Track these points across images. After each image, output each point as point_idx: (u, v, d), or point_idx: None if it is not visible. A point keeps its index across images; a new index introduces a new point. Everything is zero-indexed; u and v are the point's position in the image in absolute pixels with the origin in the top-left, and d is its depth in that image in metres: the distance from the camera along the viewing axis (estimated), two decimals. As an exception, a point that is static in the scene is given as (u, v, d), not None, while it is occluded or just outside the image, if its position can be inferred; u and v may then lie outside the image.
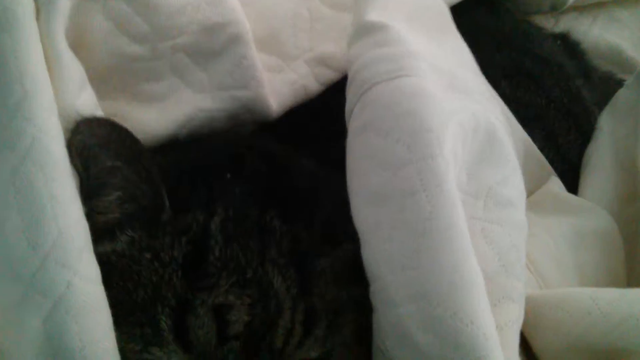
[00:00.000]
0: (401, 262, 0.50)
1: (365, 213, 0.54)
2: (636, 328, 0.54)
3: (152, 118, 0.65)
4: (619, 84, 1.06)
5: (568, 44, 1.11)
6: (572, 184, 0.85)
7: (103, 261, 0.51)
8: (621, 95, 0.89)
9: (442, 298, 0.48)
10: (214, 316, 0.50)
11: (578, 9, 1.23)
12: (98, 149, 0.52)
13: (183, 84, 0.67)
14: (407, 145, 0.52)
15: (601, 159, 0.85)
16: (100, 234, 0.53)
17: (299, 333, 0.53)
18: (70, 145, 0.51)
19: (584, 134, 0.90)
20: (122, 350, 0.49)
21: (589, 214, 0.76)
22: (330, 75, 0.77)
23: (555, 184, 0.80)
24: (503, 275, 0.56)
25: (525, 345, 0.64)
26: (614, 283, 0.70)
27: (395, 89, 0.55)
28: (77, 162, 0.52)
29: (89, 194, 0.52)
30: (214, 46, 0.67)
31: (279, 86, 0.73)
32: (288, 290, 0.53)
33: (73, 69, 0.55)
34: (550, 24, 1.21)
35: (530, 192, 0.79)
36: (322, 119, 0.75)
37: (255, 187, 0.59)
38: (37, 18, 0.54)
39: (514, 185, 0.62)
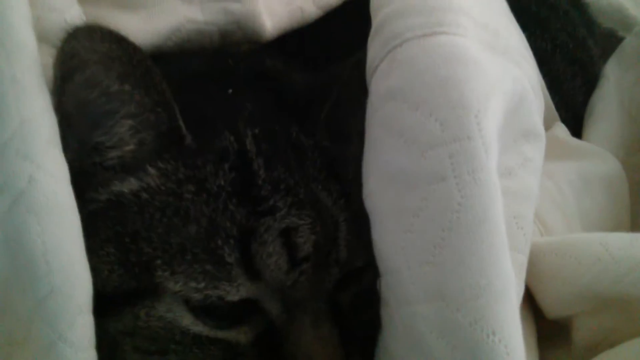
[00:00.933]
0: (420, 256, 0.45)
1: (383, 194, 0.48)
2: (649, 275, 0.50)
3: (136, 26, 0.59)
4: (620, 41, 1.02)
5: (571, -3, 1.07)
6: (575, 133, 0.82)
7: (131, 201, 0.48)
8: (628, 43, 0.87)
9: (463, 302, 0.42)
10: (282, 240, 0.48)
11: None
12: (98, 68, 0.46)
13: (171, -10, 0.62)
14: (440, 122, 0.44)
15: (607, 107, 0.82)
16: (117, 170, 0.49)
17: (355, 242, 0.51)
18: (60, 51, 0.45)
19: (589, 82, 0.87)
20: (185, 291, 0.47)
21: (595, 158, 0.72)
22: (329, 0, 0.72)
23: (561, 130, 0.77)
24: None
25: (528, 299, 0.61)
26: (619, 229, 0.67)
27: (431, 50, 0.47)
28: (59, 70, 0.46)
29: (90, 124, 0.47)
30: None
31: (274, 5, 0.68)
32: (336, 203, 0.51)
33: None
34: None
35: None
36: (320, 47, 0.70)
37: (262, 101, 0.55)
38: None
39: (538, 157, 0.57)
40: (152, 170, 0.49)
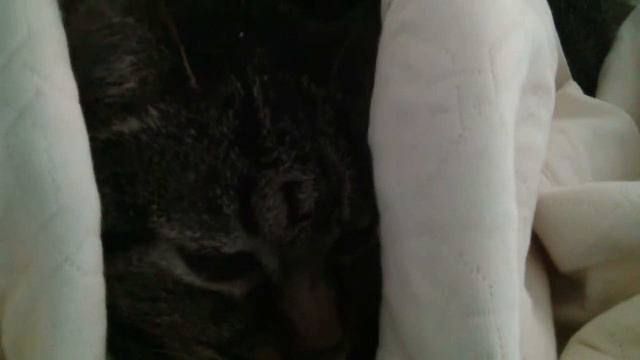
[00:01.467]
0: (414, 189, 0.43)
1: (387, 130, 0.46)
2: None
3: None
4: (631, 10, 1.01)
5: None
6: (587, 94, 0.80)
7: (130, 141, 0.46)
8: None
9: (450, 235, 0.41)
10: (283, 195, 0.46)
11: None
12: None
13: None
14: (452, 54, 0.42)
15: (622, 67, 0.81)
16: (116, 109, 0.47)
17: (359, 202, 0.49)
18: None
19: (602, 44, 0.86)
20: (180, 239, 0.45)
21: (608, 114, 0.71)
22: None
23: (574, 87, 0.76)
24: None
25: (540, 253, 0.60)
26: (633, 184, 0.66)
27: None
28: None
29: (90, 58, 0.45)
30: None
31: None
32: (343, 160, 0.49)
33: None
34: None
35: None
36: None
37: (273, 47, 0.52)
38: None
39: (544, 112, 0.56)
40: (153, 112, 0.47)
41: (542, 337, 0.52)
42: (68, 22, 0.43)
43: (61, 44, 0.40)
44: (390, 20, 0.47)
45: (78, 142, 0.40)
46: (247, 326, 0.49)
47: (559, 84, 0.76)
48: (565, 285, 0.60)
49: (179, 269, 0.47)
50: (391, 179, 0.45)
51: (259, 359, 0.49)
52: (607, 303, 0.55)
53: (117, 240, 0.44)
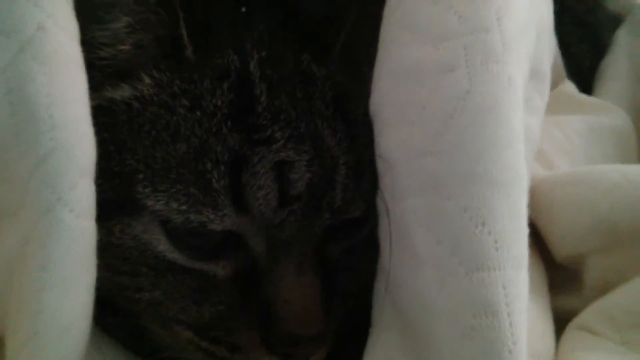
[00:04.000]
0: (420, 146, 0.43)
1: (391, 92, 0.46)
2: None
3: None
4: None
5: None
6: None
7: (122, 109, 0.45)
8: (639, 12, 0.86)
9: (455, 190, 0.40)
10: (275, 174, 0.44)
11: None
12: None
13: None
14: (459, 15, 0.43)
15: (617, 69, 0.82)
16: (109, 73, 0.46)
17: (352, 188, 0.47)
18: None
19: (597, 46, 0.87)
20: (165, 212, 0.45)
21: (604, 111, 0.72)
22: None
23: (570, 86, 0.77)
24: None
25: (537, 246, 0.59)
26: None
27: None
28: None
29: (85, 17, 0.43)
30: None
31: None
32: (339, 144, 0.47)
33: None
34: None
35: (547, 95, 0.75)
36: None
37: (275, 23, 0.51)
38: None
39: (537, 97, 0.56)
40: (146, 79, 0.46)
41: (539, 319, 0.52)
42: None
43: None
44: None
45: (77, 82, 0.39)
46: (229, 308, 0.48)
47: (555, 83, 0.76)
48: (562, 277, 0.59)
49: (162, 245, 0.46)
50: (396, 138, 0.44)
51: (239, 342, 0.48)
52: (604, 291, 0.54)
53: (100, 208, 0.42)
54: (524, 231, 0.40)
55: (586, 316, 0.52)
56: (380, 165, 0.45)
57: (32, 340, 0.37)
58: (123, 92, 0.46)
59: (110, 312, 0.48)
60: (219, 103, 0.45)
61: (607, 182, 0.52)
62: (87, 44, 0.43)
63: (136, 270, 0.47)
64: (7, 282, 0.38)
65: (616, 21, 1.08)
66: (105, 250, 0.43)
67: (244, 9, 0.51)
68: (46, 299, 0.37)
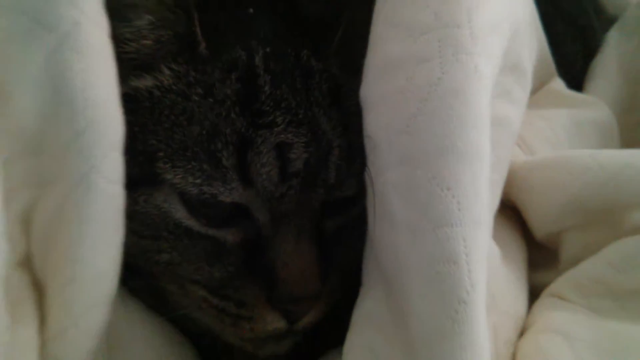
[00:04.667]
0: (399, 126, 0.49)
1: (377, 82, 0.52)
2: (632, 178, 0.54)
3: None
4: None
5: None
6: (574, 93, 0.85)
7: (145, 96, 0.51)
8: (629, 13, 0.92)
9: (425, 161, 0.46)
10: (276, 154, 0.51)
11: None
12: None
13: None
14: (435, 12, 0.49)
15: (606, 69, 0.87)
16: (134, 65, 0.52)
17: (344, 168, 0.54)
18: None
19: (589, 48, 0.92)
20: (182, 185, 0.50)
21: (588, 106, 0.77)
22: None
23: (558, 83, 0.81)
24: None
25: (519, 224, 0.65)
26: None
27: None
28: None
29: (113, 16, 0.49)
30: None
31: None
32: (334, 129, 0.54)
33: None
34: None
35: (535, 91, 0.79)
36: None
37: (278, 21, 0.58)
38: None
39: (518, 90, 0.62)
40: (166, 71, 0.52)
41: (512, 283, 0.57)
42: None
43: None
44: None
45: (107, 68, 0.45)
46: (237, 270, 0.54)
47: (545, 81, 0.82)
48: (542, 255, 0.65)
49: (180, 213, 0.52)
50: (380, 121, 0.50)
51: (245, 299, 0.54)
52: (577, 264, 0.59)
53: (127, 181, 0.48)
54: (484, 195, 0.46)
55: (558, 284, 0.57)
56: (367, 145, 0.51)
57: (70, 285, 0.44)
58: (146, 81, 0.52)
59: (135, 275, 0.54)
60: (228, 92, 0.51)
61: (579, 165, 0.58)
62: (115, 39, 0.48)
63: (157, 235, 0.53)
64: (48, 238, 0.45)
65: (613, 23, 1.12)
66: (132, 218, 0.49)
67: (251, 10, 0.58)
68: (82, 250, 0.44)
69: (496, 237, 0.58)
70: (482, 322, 0.43)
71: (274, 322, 0.54)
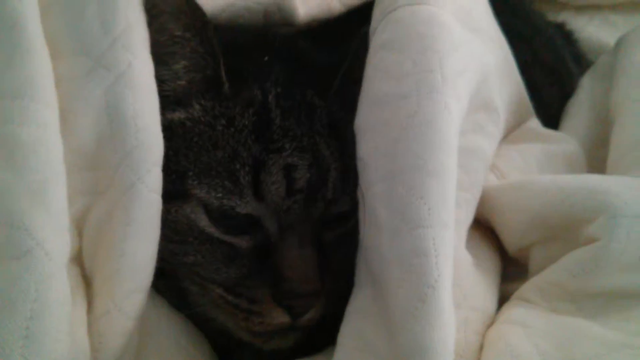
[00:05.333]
0: (384, 150, 0.59)
1: (367, 115, 0.63)
2: (585, 197, 0.63)
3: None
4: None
5: (563, 32, 1.23)
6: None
7: (178, 126, 0.63)
8: (601, 60, 1.01)
9: (404, 177, 0.56)
10: (283, 174, 0.61)
11: (576, 8, 1.35)
12: (169, 17, 0.60)
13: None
14: (413, 60, 0.61)
15: (579, 109, 0.96)
16: (170, 101, 0.63)
17: (340, 187, 0.64)
18: (144, 1, 0.59)
19: (565, 92, 1.02)
20: (206, 198, 0.61)
21: (558, 141, 0.86)
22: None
23: (535, 123, 0.90)
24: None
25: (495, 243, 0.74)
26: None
27: (416, 14, 0.63)
28: None
29: (156, 60, 0.60)
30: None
31: (306, -5, 0.84)
32: (332, 155, 0.65)
33: None
34: (550, 18, 1.33)
35: (512, 129, 0.90)
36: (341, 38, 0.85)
37: (288, 67, 0.70)
38: None
39: (491, 126, 0.73)
40: (196, 106, 0.64)
41: (483, 286, 0.66)
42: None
43: (145, 35, 0.58)
44: (375, 41, 0.65)
45: (152, 101, 0.57)
46: (249, 271, 0.63)
47: (523, 121, 0.91)
48: (515, 269, 0.73)
49: (203, 222, 0.63)
50: (369, 146, 0.61)
51: (256, 295, 0.63)
52: (543, 275, 0.68)
53: (163, 194, 0.58)
54: (450, 204, 0.56)
55: (523, 289, 0.66)
56: (359, 165, 0.62)
57: (115, 276, 0.54)
58: (180, 114, 0.64)
59: (161, 277, 0.61)
60: (246, 123, 0.63)
61: (539, 187, 0.68)
62: (157, 80, 0.60)
63: (185, 240, 0.63)
64: (97, 236, 0.55)
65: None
66: (164, 225, 0.58)
67: (266, 58, 0.70)
68: (127, 246, 0.54)
69: (473, 250, 0.68)
70: (447, 305, 0.53)
71: (280, 317, 0.63)
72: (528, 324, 0.59)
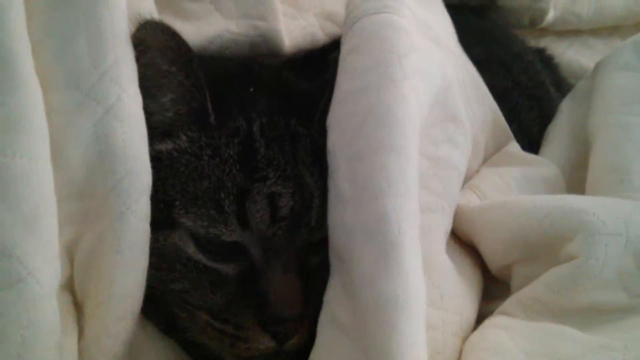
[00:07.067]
0: (349, 136, 0.63)
1: (335, 112, 0.66)
2: (563, 216, 0.65)
3: (187, 30, 0.77)
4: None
5: (543, 57, 1.27)
6: (532, 156, 0.97)
7: (166, 157, 0.64)
8: (580, 84, 1.04)
9: (366, 155, 0.60)
10: (268, 202, 0.63)
11: (556, 33, 1.39)
12: (156, 53, 0.62)
13: (215, 9, 0.82)
14: (374, 60, 0.65)
15: (559, 132, 0.99)
16: (158, 132, 0.65)
17: (323, 213, 0.65)
18: (132, 36, 0.61)
19: (545, 116, 1.04)
20: (193, 227, 0.62)
21: (538, 164, 0.88)
22: (334, 29, 0.92)
23: (514, 147, 0.93)
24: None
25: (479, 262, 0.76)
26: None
27: (377, 22, 0.67)
28: None
29: (144, 93, 0.61)
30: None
31: (291, 28, 0.87)
32: (315, 182, 0.66)
33: None
34: (530, 44, 1.37)
35: (492, 153, 0.93)
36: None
37: (273, 97, 0.72)
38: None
39: (461, 139, 0.76)
40: (183, 137, 0.65)
41: (462, 292, 0.69)
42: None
43: (134, 70, 0.60)
44: (343, 48, 0.69)
45: (141, 132, 0.58)
46: (235, 296, 0.64)
47: (502, 145, 0.94)
48: (499, 287, 0.76)
49: (191, 249, 0.64)
50: (335, 137, 0.64)
51: (242, 321, 0.63)
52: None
53: (151, 223, 0.60)
54: (411, 178, 0.60)
55: (506, 304, 0.68)
56: (329, 158, 0.64)
57: (106, 302, 0.55)
58: (167, 145, 0.65)
59: (150, 302, 0.62)
60: (231, 153, 0.64)
61: (519, 207, 0.70)
62: (146, 112, 0.61)
63: (172, 267, 0.63)
64: (88, 264, 0.56)
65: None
66: (152, 253, 0.59)
67: (252, 89, 0.72)
68: (117, 273, 0.55)
69: (455, 259, 0.71)
70: (409, 260, 0.56)
71: (265, 342, 0.64)
72: (511, 328, 0.62)
